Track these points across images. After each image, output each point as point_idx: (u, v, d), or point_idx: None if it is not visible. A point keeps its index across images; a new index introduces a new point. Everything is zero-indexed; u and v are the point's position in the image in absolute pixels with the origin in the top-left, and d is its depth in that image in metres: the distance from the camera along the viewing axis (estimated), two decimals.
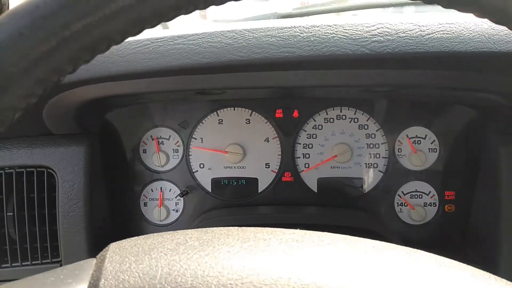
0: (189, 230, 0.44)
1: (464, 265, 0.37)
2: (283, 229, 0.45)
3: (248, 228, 0.45)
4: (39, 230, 0.81)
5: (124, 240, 0.43)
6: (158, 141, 1.00)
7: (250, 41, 0.59)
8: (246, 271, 0.35)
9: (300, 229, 0.81)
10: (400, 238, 0.96)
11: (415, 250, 0.40)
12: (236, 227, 0.45)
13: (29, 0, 0.31)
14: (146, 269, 0.36)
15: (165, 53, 0.60)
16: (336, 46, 0.58)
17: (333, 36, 0.58)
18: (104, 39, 0.33)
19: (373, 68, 0.60)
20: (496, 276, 0.35)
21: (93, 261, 0.40)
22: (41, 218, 0.81)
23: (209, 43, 0.60)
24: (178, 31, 0.64)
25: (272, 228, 0.45)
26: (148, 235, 0.44)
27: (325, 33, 0.59)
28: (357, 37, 0.58)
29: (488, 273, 0.35)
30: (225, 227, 0.45)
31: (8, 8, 0.65)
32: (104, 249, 0.42)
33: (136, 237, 0.44)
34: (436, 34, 0.58)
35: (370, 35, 0.58)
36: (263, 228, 0.45)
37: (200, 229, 0.45)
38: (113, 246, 0.42)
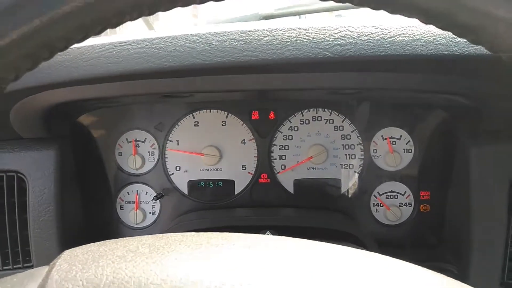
0: (145, 236, 0.44)
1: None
2: (240, 234, 0.44)
3: (203, 233, 0.45)
4: (10, 235, 0.80)
5: (78, 247, 0.43)
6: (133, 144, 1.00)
7: (213, 45, 0.59)
8: (191, 278, 0.35)
9: (270, 231, 0.81)
10: (376, 238, 0.97)
11: (374, 253, 0.40)
12: (192, 233, 0.45)
13: None
14: (91, 277, 0.36)
15: (128, 57, 0.59)
16: (299, 49, 0.58)
17: (296, 40, 0.58)
18: (45, 47, 0.33)
19: (336, 71, 0.60)
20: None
21: (45, 269, 0.40)
22: (12, 223, 0.80)
23: (172, 46, 0.59)
24: (143, 34, 0.64)
25: (229, 233, 0.45)
26: (103, 241, 0.44)
27: (288, 36, 0.59)
28: (319, 40, 0.58)
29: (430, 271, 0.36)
30: (181, 233, 0.45)
31: None
32: (57, 257, 0.42)
33: (91, 243, 0.44)
34: (398, 37, 0.59)
35: (333, 38, 0.58)
36: (220, 233, 0.44)
37: (156, 235, 0.45)
38: (66, 254, 0.42)
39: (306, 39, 0.58)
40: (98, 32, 0.35)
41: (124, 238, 0.45)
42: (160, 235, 0.45)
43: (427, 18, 0.34)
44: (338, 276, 0.35)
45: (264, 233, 0.81)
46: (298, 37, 0.59)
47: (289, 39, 0.59)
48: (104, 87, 0.63)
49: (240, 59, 0.58)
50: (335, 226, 0.92)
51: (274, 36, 0.59)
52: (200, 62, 0.58)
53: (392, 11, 0.35)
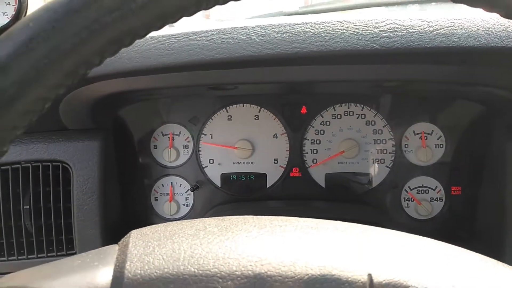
0: (207, 218, 0.46)
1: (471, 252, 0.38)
2: (297, 217, 0.46)
3: (263, 216, 0.46)
4: (55, 223, 0.83)
5: (144, 228, 0.45)
6: (169, 137, 1.02)
7: (262, 37, 0.61)
8: (265, 253, 0.37)
9: None
10: (407, 232, 0.97)
11: (427, 239, 0.41)
12: (252, 216, 0.47)
13: None
14: (169, 252, 0.38)
15: (179, 49, 0.62)
16: (347, 41, 0.60)
17: (344, 32, 0.60)
18: (129, 33, 0.35)
19: (383, 63, 0.62)
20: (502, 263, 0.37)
21: (115, 247, 0.42)
22: (57, 211, 0.83)
23: (222, 39, 0.61)
24: (190, 28, 0.66)
25: (286, 217, 0.46)
26: (167, 223, 0.46)
27: (335, 29, 0.60)
28: (367, 33, 0.60)
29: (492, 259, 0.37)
30: (241, 216, 0.47)
31: (27, 6, 0.67)
32: (125, 236, 0.44)
33: (156, 225, 0.46)
34: (444, 30, 0.60)
35: (380, 31, 0.60)
36: (277, 216, 0.46)
37: (217, 217, 0.47)
38: (135, 233, 0.44)
39: (354, 31, 0.60)
40: (176, 20, 0.37)
41: (188, 220, 0.47)
42: (221, 217, 0.47)
43: (491, 7, 0.35)
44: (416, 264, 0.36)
45: None
46: (345, 30, 0.60)
47: (337, 31, 0.60)
48: (154, 78, 0.65)
49: (289, 50, 0.60)
50: (368, 219, 0.93)
51: (322, 28, 0.60)
52: (250, 54, 0.60)
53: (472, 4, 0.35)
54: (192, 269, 0.36)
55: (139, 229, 0.45)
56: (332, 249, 0.38)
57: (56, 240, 0.84)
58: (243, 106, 1.01)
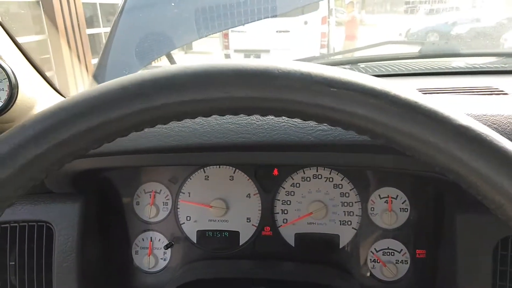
0: None
1: None
2: None
3: None
4: (37, 277, 0.91)
5: None
6: (151, 195, 1.10)
7: (213, 127, 0.69)
8: None
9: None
10: None
11: None
12: None
13: (34, 117, 0.43)
14: None
15: (141, 135, 0.71)
16: (286, 133, 0.67)
17: (284, 125, 0.68)
18: (111, 135, 0.45)
19: (318, 151, 0.69)
20: None
21: None
22: (39, 266, 0.91)
23: (179, 128, 0.70)
24: None
25: None
26: None
27: (277, 121, 0.68)
28: (304, 126, 0.67)
29: None
30: None
31: (17, 92, 0.78)
32: None
33: None
34: None
35: (316, 124, 0.67)
36: None
37: None
38: None
39: (293, 124, 0.68)
40: (126, 134, 0.47)
41: None
42: None
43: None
44: None
45: None
46: (286, 123, 0.68)
47: (278, 124, 0.68)
48: (122, 158, 0.74)
49: (236, 140, 0.68)
50: (332, 282, 0.97)
51: (265, 121, 0.69)
52: (201, 142, 0.69)
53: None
54: None
55: None
56: None
57: None
58: (219, 167, 1.09)
